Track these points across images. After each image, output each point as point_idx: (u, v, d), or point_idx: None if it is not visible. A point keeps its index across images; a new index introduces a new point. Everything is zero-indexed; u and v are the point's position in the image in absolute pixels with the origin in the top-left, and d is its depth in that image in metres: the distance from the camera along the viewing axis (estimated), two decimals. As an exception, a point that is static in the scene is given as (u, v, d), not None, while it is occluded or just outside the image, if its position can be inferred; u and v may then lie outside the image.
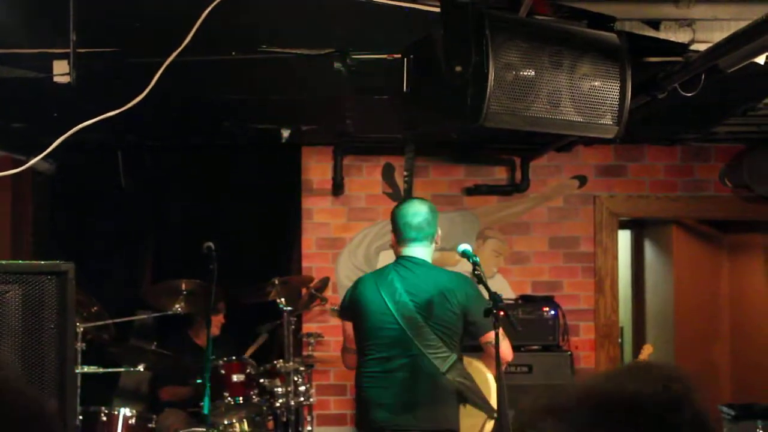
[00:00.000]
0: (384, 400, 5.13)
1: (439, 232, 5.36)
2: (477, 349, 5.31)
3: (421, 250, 5.25)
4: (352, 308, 5.35)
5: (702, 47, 4.09)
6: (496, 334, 4.71)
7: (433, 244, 5.32)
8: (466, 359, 5.30)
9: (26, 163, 4.54)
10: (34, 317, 3.23)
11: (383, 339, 5.16)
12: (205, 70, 5.10)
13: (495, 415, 5.00)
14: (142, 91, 4.06)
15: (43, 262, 3.44)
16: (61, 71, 4.38)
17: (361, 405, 5.28)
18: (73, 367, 3.37)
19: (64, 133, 4.21)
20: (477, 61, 3.65)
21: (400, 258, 5.28)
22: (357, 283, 5.43)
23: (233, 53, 4.71)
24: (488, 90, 3.63)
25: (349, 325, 5.40)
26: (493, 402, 5.00)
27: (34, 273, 3.25)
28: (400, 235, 5.27)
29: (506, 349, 4.95)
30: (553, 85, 3.85)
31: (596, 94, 3.97)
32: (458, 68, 3.73)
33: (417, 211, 5.27)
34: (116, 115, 4.22)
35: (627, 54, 4.04)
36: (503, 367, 4.92)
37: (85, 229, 7.81)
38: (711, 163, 8.09)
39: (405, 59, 4.08)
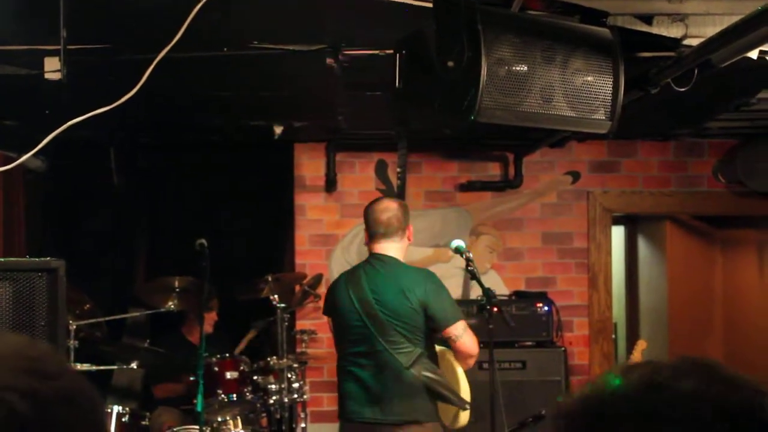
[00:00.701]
0: (354, 393, 5.35)
1: (411, 227, 5.44)
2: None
3: (390, 246, 5.38)
4: (329, 306, 5.61)
5: (695, 42, 4.08)
6: (490, 328, 4.75)
7: (404, 240, 5.42)
8: (440, 351, 5.39)
9: (16, 160, 4.52)
10: (24, 314, 3.22)
11: (352, 336, 5.37)
12: (196, 67, 5.09)
13: (467, 406, 5.15)
14: (134, 88, 4.05)
15: (33, 259, 3.43)
16: (53, 68, 4.36)
17: (339, 397, 5.52)
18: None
19: (56, 131, 4.20)
20: (469, 57, 3.64)
21: (369, 256, 5.46)
22: (334, 282, 5.68)
23: (225, 50, 4.70)
24: (480, 85, 3.63)
25: (330, 322, 5.63)
26: (464, 394, 5.16)
27: (24, 270, 3.24)
28: (370, 232, 5.43)
29: (469, 344, 5.12)
30: (546, 80, 3.84)
31: (589, 89, 3.97)
32: (450, 63, 3.72)
33: (385, 208, 5.42)
34: (108, 112, 4.20)
35: (620, 49, 4.03)
36: (471, 362, 5.17)
37: (77, 227, 7.80)
38: (704, 159, 8.08)
39: (397, 55, 4.08)
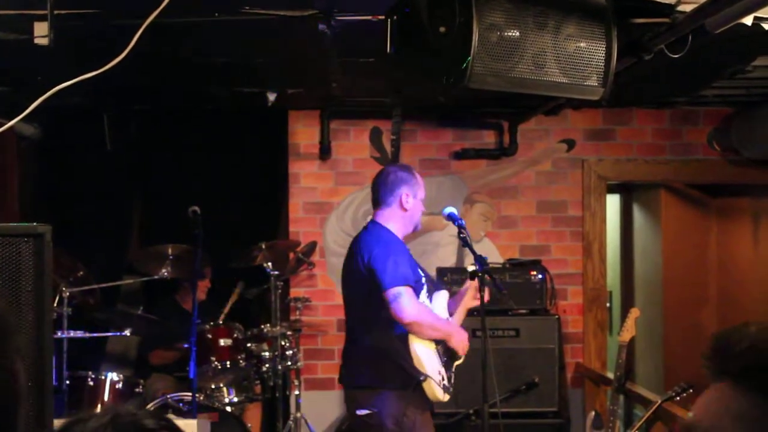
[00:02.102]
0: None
1: (406, 195, 5.40)
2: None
3: (381, 213, 5.47)
4: None
5: (689, 8, 4.05)
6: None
7: (392, 208, 5.41)
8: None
9: (9, 127, 4.50)
10: (10, 280, 3.19)
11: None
12: (187, 32, 5.06)
13: (422, 378, 5.17)
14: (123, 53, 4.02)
15: (19, 224, 3.41)
16: (42, 33, 4.32)
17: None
18: (51, 330, 3.33)
19: (49, 97, 4.18)
20: (461, 22, 3.62)
21: None
22: None
23: (216, 14, 4.66)
24: (472, 51, 3.60)
25: None
26: (422, 366, 5.19)
27: (10, 235, 3.22)
28: None
29: (398, 310, 5.12)
30: (538, 45, 3.82)
31: (582, 55, 3.95)
32: (442, 29, 3.70)
33: (378, 175, 5.56)
34: (98, 77, 4.18)
35: (613, 15, 4.01)
36: (413, 330, 5.20)
37: (71, 194, 7.76)
38: (699, 127, 8.06)
39: (389, 20, 4.05)
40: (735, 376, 1.53)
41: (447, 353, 5.34)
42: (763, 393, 1.50)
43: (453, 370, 5.39)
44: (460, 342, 5.32)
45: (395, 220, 5.41)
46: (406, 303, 5.10)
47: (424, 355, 5.22)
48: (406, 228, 5.43)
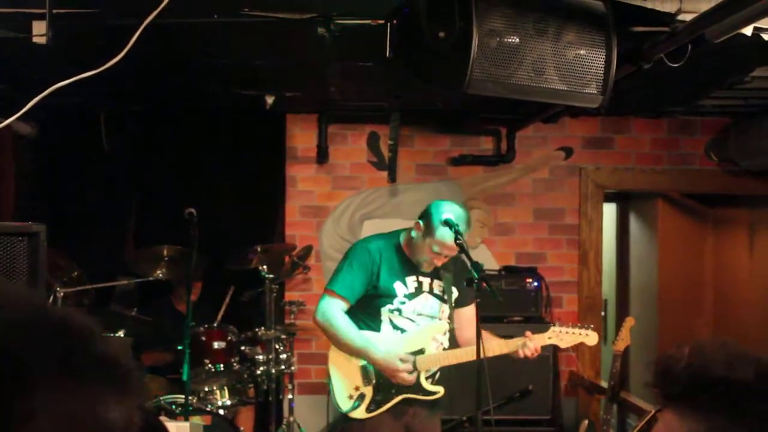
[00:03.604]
0: None
1: (417, 224, 5.36)
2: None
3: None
4: None
5: (689, 17, 4.05)
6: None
7: (414, 229, 5.38)
8: None
9: (7, 126, 4.49)
10: (4, 278, 3.18)
11: None
12: (186, 33, 5.05)
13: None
14: (121, 54, 4.01)
15: (14, 223, 3.41)
16: (40, 32, 4.31)
17: None
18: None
19: (46, 96, 4.16)
20: (460, 27, 3.61)
21: None
22: None
23: (215, 16, 4.65)
24: (471, 56, 3.60)
25: None
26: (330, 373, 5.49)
27: (5, 234, 3.21)
28: None
29: (316, 309, 5.42)
30: (538, 52, 3.81)
31: (581, 63, 3.94)
32: (441, 34, 3.69)
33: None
34: (96, 77, 4.16)
35: (613, 22, 4.01)
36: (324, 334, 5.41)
37: (66, 194, 7.75)
38: (697, 137, 8.06)
39: (388, 24, 4.04)
40: (677, 400, 1.51)
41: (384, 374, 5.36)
42: (706, 413, 1.48)
43: (393, 393, 5.39)
44: (387, 371, 5.29)
45: (408, 238, 5.43)
46: (322, 306, 5.36)
47: (335, 364, 5.47)
48: (411, 252, 5.39)
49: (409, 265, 5.38)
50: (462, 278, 5.46)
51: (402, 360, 5.24)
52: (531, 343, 5.22)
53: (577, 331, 5.39)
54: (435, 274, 5.41)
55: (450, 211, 5.20)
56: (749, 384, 1.48)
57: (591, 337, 5.40)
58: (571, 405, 7.87)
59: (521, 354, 5.22)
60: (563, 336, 5.36)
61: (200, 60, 5.87)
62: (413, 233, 5.34)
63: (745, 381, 1.48)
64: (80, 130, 7.75)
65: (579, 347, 7.86)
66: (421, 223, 5.27)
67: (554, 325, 5.41)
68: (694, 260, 8.88)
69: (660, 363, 1.57)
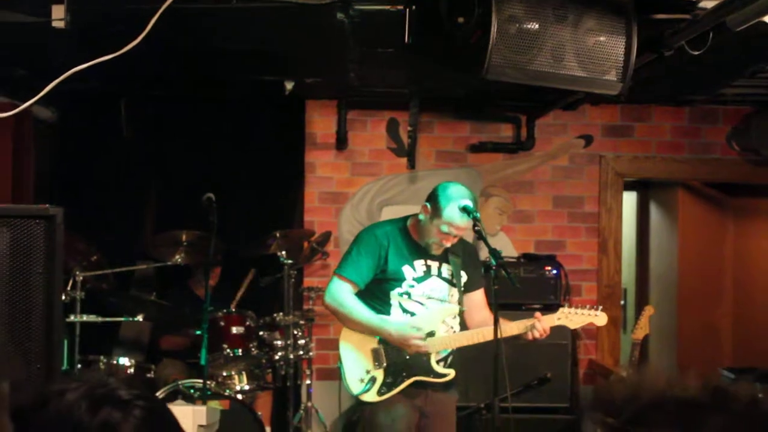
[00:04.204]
0: None
1: (424, 205, 5.36)
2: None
3: None
4: None
5: (710, 4, 4.02)
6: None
7: (421, 212, 5.37)
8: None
9: (27, 111, 4.51)
10: (21, 261, 3.20)
11: None
12: (205, 18, 5.04)
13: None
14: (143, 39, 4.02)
15: (31, 206, 3.41)
16: (59, 16, 4.32)
17: None
18: (61, 312, 3.33)
19: (66, 81, 4.17)
20: (479, 13, 3.60)
21: None
22: None
23: (234, 1, 4.65)
24: (490, 42, 3.58)
25: None
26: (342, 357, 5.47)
27: (22, 216, 3.22)
28: None
29: (326, 292, 5.47)
30: (557, 39, 3.80)
31: (601, 50, 3.93)
32: (460, 19, 3.68)
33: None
34: (115, 63, 4.18)
35: (633, 9, 3.99)
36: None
37: (86, 178, 7.77)
38: (718, 126, 8.01)
39: (407, 10, 4.03)
40: (632, 426, 1.50)
41: (395, 357, 5.35)
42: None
43: (404, 376, 5.38)
44: (400, 341, 5.28)
45: (415, 222, 5.43)
46: (332, 289, 5.39)
47: (346, 348, 5.46)
48: (420, 235, 5.38)
49: (417, 249, 5.38)
50: (470, 263, 5.51)
51: (415, 327, 5.25)
52: (539, 324, 5.22)
53: (586, 312, 5.39)
54: (443, 258, 5.40)
55: (458, 192, 5.21)
56: (697, 400, 1.48)
57: (600, 318, 5.39)
58: (590, 393, 7.85)
59: (530, 336, 5.23)
60: (572, 317, 5.37)
61: (219, 45, 5.87)
62: (420, 216, 5.33)
63: (694, 397, 1.49)
64: (100, 115, 7.77)
65: (598, 336, 7.88)
66: (428, 205, 5.27)
67: (564, 307, 5.40)
68: (714, 249, 8.83)
69: (601, 393, 1.58)
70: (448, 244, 5.29)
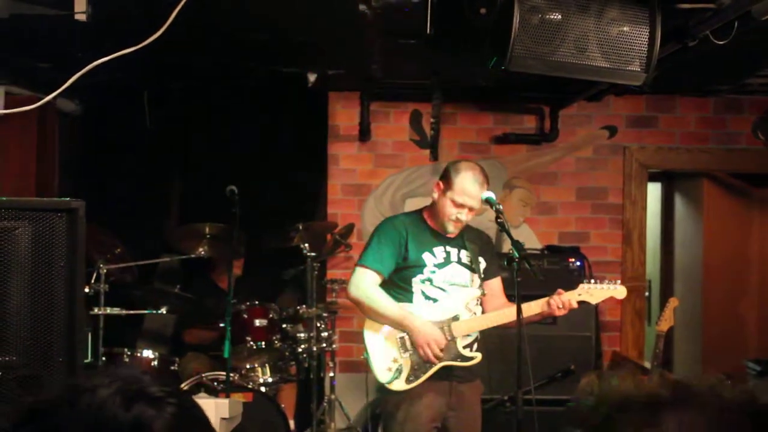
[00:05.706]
0: None
1: (436, 183, 5.39)
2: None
3: None
4: None
5: (735, -6, 3.99)
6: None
7: (434, 191, 5.40)
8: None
9: (51, 104, 4.51)
10: (43, 254, 3.20)
11: None
12: (227, 9, 5.04)
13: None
14: (162, 30, 4.01)
15: (53, 199, 3.41)
16: (81, 9, 4.32)
17: None
18: (83, 305, 3.33)
19: (89, 74, 4.18)
20: (502, 3, 3.58)
21: None
22: None
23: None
24: (513, 33, 3.56)
25: None
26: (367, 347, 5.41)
27: (44, 210, 3.22)
28: None
29: (349, 284, 5.43)
30: (580, 29, 3.78)
31: (624, 40, 3.90)
32: (483, 10, 3.66)
33: None
34: (138, 54, 4.17)
35: (657, -1, 3.95)
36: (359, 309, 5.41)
37: (110, 171, 7.79)
38: (743, 116, 7.96)
39: (429, 1, 4.01)
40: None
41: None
42: None
43: (427, 365, 5.35)
44: (419, 339, 5.26)
45: (429, 207, 5.45)
46: (356, 280, 5.34)
47: (371, 337, 5.39)
48: (435, 219, 5.38)
49: (435, 236, 5.38)
50: (487, 250, 5.54)
51: (438, 327, 5.25)
52: (557, 297, 5.22)
53: (605, 286, 5.38)
54: (461, 245, 5.41)
55: (467, 165, 5.27)
56: (658, 397, 1.48)
57: (620, 291, 5.38)
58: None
59: (551, 308, 5.22)
60: (593, 292, 5.35)
61: (241, 37, 5.86)
62: (434, 195, 5.36)
63: (655, 395, 1.49)
64: (123, 107, 7.78)
65: (622, 328, 7.85)
66: (440, 182, 5.30)
67: (583, 283, 5.40)
68: (739, 241, 8.77)
69: (570, 408, 1.59)
70: (464, 219, 5.29)
